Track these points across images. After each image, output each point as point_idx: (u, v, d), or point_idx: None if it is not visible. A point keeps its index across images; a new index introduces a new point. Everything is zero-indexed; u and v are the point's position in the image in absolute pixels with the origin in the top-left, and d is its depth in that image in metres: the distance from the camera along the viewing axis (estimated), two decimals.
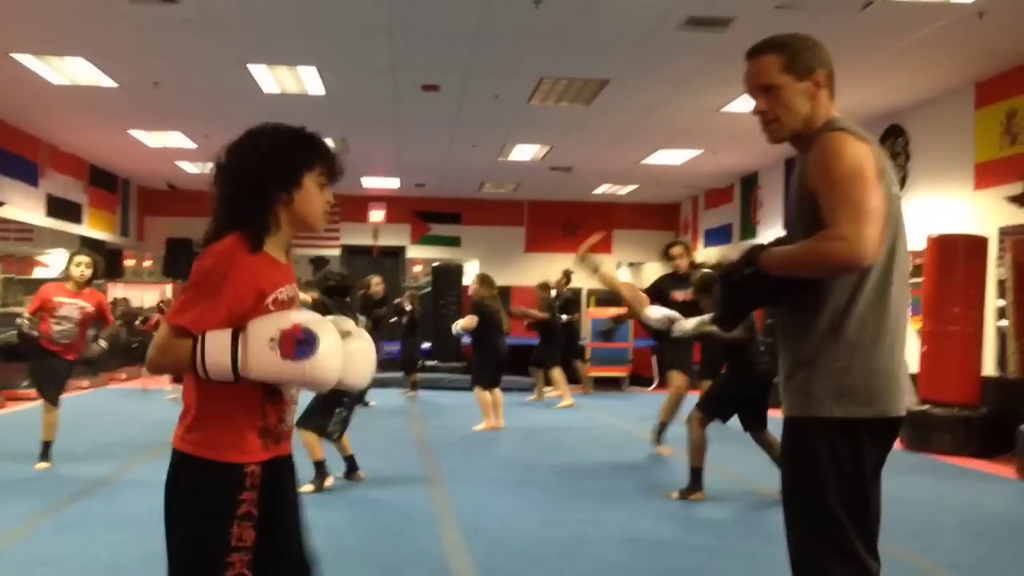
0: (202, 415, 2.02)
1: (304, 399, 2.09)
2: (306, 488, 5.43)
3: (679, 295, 7.28)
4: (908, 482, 6.35)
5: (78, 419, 8.44)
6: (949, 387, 8.08)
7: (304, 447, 5.53)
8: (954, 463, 7.54)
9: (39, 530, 4.70)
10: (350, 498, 5.59)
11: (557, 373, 11.80)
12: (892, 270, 2.17)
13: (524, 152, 12.81)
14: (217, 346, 1.93)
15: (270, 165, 2.06)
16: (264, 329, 1.95)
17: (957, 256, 8.17)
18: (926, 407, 8.08)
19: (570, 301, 12.95)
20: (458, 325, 9.40)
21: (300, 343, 1.95)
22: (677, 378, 7.58)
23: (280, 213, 2.08)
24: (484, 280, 9.39)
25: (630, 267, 19.13)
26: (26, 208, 12.05)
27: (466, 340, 10.04)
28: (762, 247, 2.27)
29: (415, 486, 6.08)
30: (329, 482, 5.72)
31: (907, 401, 2.21)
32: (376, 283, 11.17)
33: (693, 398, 6.29)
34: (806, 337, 2.19)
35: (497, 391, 9.17)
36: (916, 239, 8.95)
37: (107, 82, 9.29)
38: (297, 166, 2.09)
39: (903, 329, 2.23)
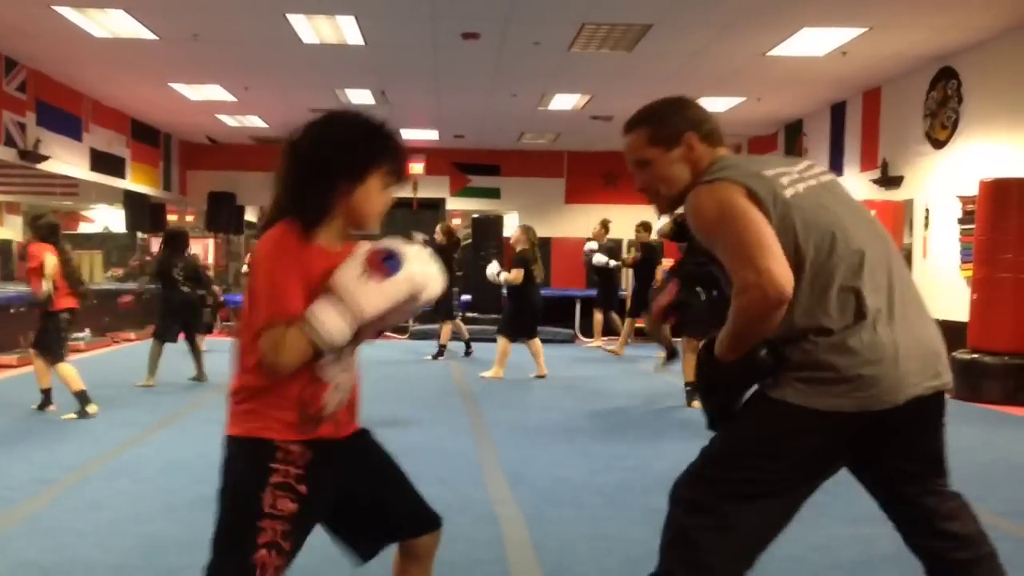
0: (244, 399, 2.03)
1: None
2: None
3: None
4: (958, 431, 6.21)
5: (128, 370, 8.58)
6: (1001, 335, 7.93)
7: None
8: (1006, 411, 7.43)
9: (93, 476, 4.79)
10: (391, 445, 5.61)
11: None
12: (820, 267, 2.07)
13: (564, 101, 12.65)
14: (326, 314, 1.91)
15: (339, 154, 2.02)
16: (347, 274, 1.94)
17: (1011, 201, 7.96)
18: (976, 355, 7.95)
19: (612, 251, 12.93)
20: (502, 277, 9.44)
21: (386, 259, 1.95)
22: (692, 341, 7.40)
23: (339, 204, 2.03)
24: (526, 231, 9.45)
25: (671, 219, 18.96)
26: (71, 163, 12.15)
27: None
28: (711, 343, 2.18)
29: (458, 435, 6.11)
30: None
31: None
32: (440, 231, 11.14)
33: None
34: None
35: (536, 340, 9.26)
36: (969, 183, 8.80)
37: (147, 35, 9.27)
38: (366, 161, 2.04)
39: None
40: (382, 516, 2.18)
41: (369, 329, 2.04)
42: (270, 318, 1.91)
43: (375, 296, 1.93)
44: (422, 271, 2.00)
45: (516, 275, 9.14)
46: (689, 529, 2.07)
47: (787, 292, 1.94)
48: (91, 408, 6.42)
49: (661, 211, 2.33)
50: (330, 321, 1.91)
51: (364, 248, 2.00)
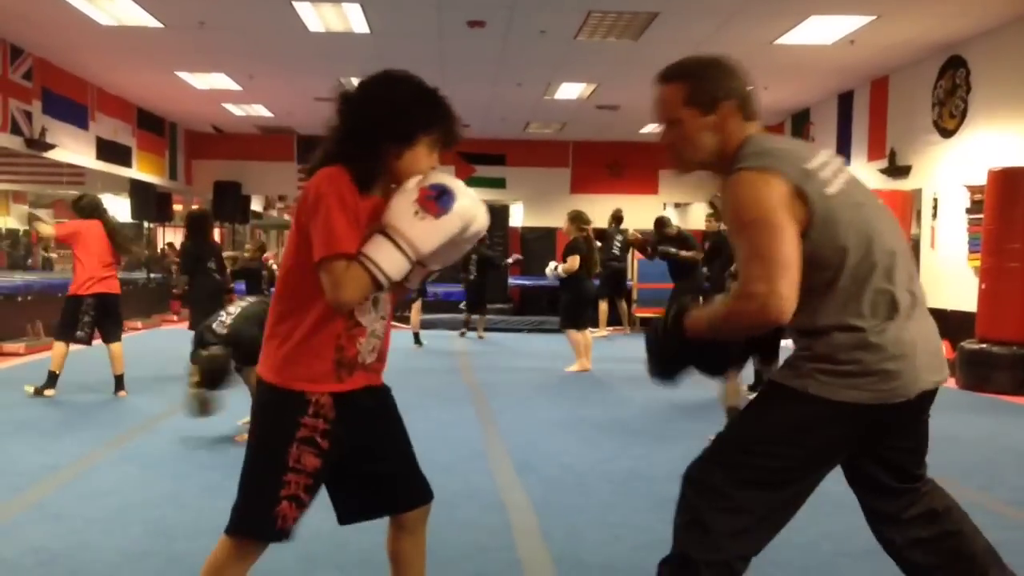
0: (280, 344, 2.07)
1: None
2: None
3: None
4: (967, 420, 6.25)
5: (136, 357, 8.58)
6: (1009, 325, 7.90)
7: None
8: (1014, 402, 7.40)
9: (100, 463, 4.79)
10: None
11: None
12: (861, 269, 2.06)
13: (570, 91, 12.61)
14: (384, 253, 1.96)
15: (393, 115, 2.04)
16: (401, 211, 1.98)
17: (1019, 190, 7.93)
18: (984, 345, 7.93)
19: (685, 240, 12.87)
20: (559, 268, 8.94)
21: (440, 196, 1.99)
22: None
23: (386, 163, 2.06)
24: (578, 218, 8.99)
25: (676, 208, 18.93)
26: (77, 151, 12.15)
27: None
28: (684, 309, 2.20)
29: (465, 424, 6.10)
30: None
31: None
32: None
33: None
34: None
35: (587, 332, 9.01)
36: (977, 172, 8.76)
37: (153, 22, 9.26)
38: (417, 125, 2.06)
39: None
40: (379, 484, 2.22)
41: (421, 269, 2.10)
42: (330, 255, 1.94)
43: (432, 233, 1.98)
44: (471, 204, 2.05)
45: (572, 263, 8.71)
46: (703, 511, 2.09)
47: (785, 317, 1.96)
48: (49, 392, 6.62)
49: (681, 171, 2.27)
50: (389, 258, 1.96)
51: (413, 183, 2.02)
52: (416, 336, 11.04)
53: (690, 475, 2.17)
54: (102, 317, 6.85)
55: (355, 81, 2.16)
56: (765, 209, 1.99)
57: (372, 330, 2.12)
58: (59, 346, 6.73)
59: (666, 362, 2.30)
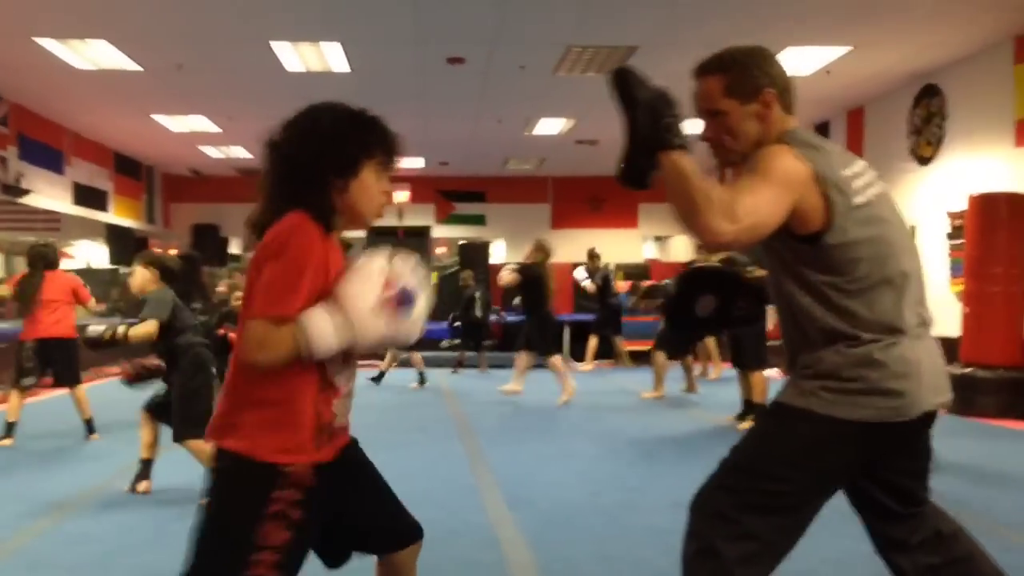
0: (251, 409, 1.87)
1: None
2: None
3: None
4: (956, 445, 6.21)
5: (115, 403, 8.43)
6: (993, 349, 7.92)
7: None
8: (1000, 425, 7.38)
9: (81, 509, 4.67)
10: (386, 470, 5.51)
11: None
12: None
13: (549, 126, 12.67)
14: (321, 327, 1.79)
15: (328, 148, 1.90)
16: (363, 299, 1.82)
17: (999, 215, 7.98)
18: (969, 369, 7.93)
19: (607, 278, 12.95)
20: (503, 280, 9.24)
21: (405, 303, 1.86)
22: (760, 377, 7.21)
23: (335, 200, 1.92)
24: (541, 248, 9.15)
25: (656, 241, 18.98)
26: (53, 196, 12.05)
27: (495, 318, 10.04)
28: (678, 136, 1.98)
29: (454, 459, 6.00)
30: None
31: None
32: None
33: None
34: None
35: (523, 355, 9.22)
36: (957, 199, 8.81)
37: (131, 65, 9.23)
38: (356, 153, 1.92)
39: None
40: (363, 534, 2.10)
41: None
42: (266, 313, 1.79)
43: (378, 333, 1.85)
44: (422, 311, 1.92)
45: (510, 278, 9.00)
46: (715, 539, 2.03)
47: (719, 240, 1.90)
48: (5, 442, 6.47)
49: (725, 164, 2.21)
50: (324, 336, 1.80)
51: (379, 269, 1.86)
52: (421, 375, 10.87)
53: (696, 502, 2.12)
54: (52, 363, 6.78)
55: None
56: (772, 170, 1.97)
57: (348, 390, 1.99)
58: (13, 394, 6.66)
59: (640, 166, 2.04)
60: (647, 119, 1.97)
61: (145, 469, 4.99)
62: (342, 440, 2.03)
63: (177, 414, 4.68)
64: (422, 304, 1.91)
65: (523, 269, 9.03)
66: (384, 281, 1.85)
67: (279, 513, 1.84)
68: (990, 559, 2.18)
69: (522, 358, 9.26)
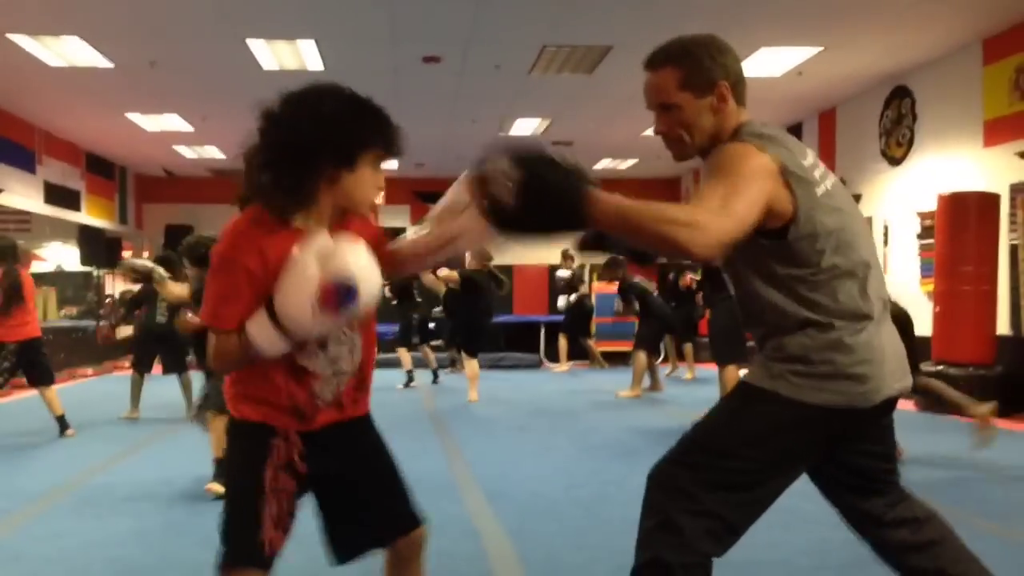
0: (236, 392, 2.02)
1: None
2: None
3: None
4: (929, 440, 6.31)
5: (86, 404, 8.38)
6: (963, 347, 8.02)
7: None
8: (971, 422, 7.46)
9: (57, 504, 4.63)
10: None
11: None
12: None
13: (525, 127, 12.70)
14: (262, 334, 1.83)
15: (327, 134, 1.83)
16: (296, 298, 1.79)
17: (969, 214, 8.10)
18: (940, 367, 8.03)
19: (578, 279, 13.03)
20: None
21: (344, 297, 1.79)
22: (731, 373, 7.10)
23: (321, 189, 1.88)
24: (480, 254, 9.41)
25: None
26: (25, 195, 11.93)
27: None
28: (585, 181, 1.86)
29: (431, 455, 6.01)
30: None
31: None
32: None
33: None
34: None
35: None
36: (926, 199, 8.94)
37: (103, 63, 9.16)
38: (356, 142, 1.86)
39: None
40: (364, 515, 2.10)
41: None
42: (211, 326, 1.90)
43: (321, 327, 1.85)
44: (370, 297, 1.85)
45: (448, 274, 9.27)
46: (673, 513, 2.02)
47: (705, 256, 1.83)
48: None
49: (679, 158, 2.19)
50: (267, 340, 1.85)
51: (313, 261, 1.79)
52: (435, 373, 11.06)
53: (656, 477, 2.10)
54: (28, 363, 6.73)
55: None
56: (751, 168, 1.93)
57: (333, 371, 1.99)
58: None
59: (533, 218, 1.85)
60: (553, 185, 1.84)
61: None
62: (345, 413, 2.06)
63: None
64: (365, 293, 1.82)
65: (468, 275, 9.25)
66: (318, 276, 1.78)
67: (282, 462, 1.96)
68: (962, 543, 2.22)
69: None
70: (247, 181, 1.91)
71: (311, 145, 1.83)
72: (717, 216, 1.82)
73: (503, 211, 1.83)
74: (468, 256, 9.40)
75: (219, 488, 4.39)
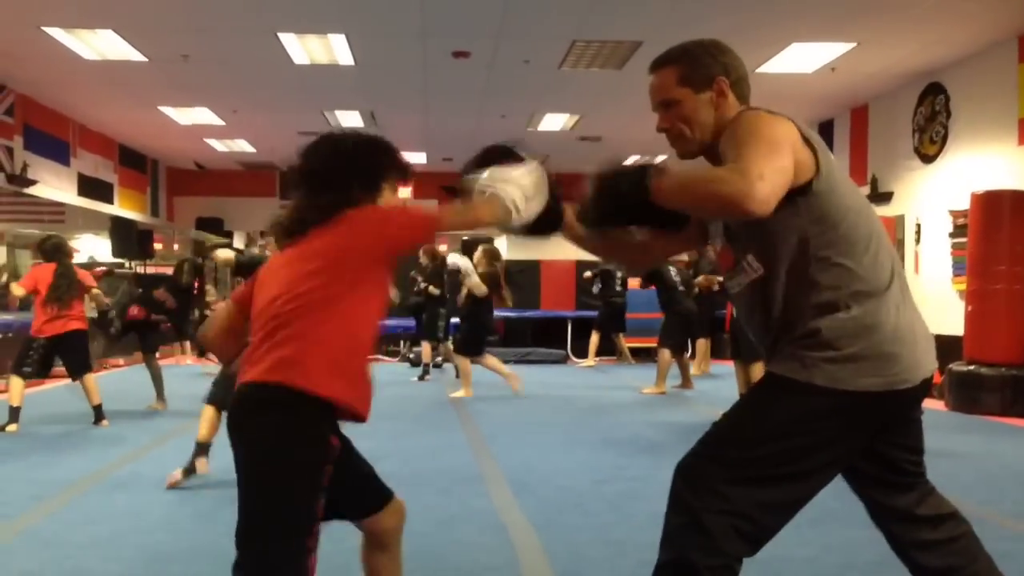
0: (333, 362, 2.07)
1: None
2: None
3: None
4: (960, 440, 6.24)
5: (118, 394, 8.47)
6: (996, 346, 7.94)
7: None
8: (1004, 422, 7.41)
9: (89, 491, 4.70)
10: (390, 458, 5.55)
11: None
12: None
13: (554, 122, 12.69)
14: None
15: (355, 168, 2.14)
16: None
17: (1003, 213, 8.01)
18: (972, 367, 7.95)
19: (611, 276, 12.93)
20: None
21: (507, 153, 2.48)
22: (758, 370, 7.11)
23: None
24: (490, 252, 9.34)
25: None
26: (59, 187, 12.08)
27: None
28: (654, 168, 2.05)
29: (457, 449, 6.04)
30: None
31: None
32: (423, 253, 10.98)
33: None
34: None
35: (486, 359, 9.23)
36: (959, 197, 8.84)
37: (137, 56, 9.25)
38: (378, 172, 2.18)
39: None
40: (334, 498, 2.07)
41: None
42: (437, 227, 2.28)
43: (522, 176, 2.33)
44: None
45: (479, 287, 9.05)
46: (702, 513, 1.98)
47: (757, 207, 1.83)
48: (11, 427, 6.54)
49: (682, 155, 2.21)
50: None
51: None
52: (426, 368, 11.02)
53: (683, 472, 2.06)
54: (62, 355, 6.87)
55: (338, 115, 2.26)
56: (775, 131, 1.95)
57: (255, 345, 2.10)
58: (15, 380, 6.70)
59: (609, 214, 2.22)
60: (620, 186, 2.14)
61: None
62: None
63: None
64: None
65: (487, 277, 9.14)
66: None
67: (326, 488, 2.01)
68: (979, 542, 2.19)
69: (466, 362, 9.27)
70: (295, 220, 2.15)
71: (346, 177, 2.14)
72: (764, 172, 1.85)
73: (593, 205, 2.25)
74: (478, 255, 9.30)
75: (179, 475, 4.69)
